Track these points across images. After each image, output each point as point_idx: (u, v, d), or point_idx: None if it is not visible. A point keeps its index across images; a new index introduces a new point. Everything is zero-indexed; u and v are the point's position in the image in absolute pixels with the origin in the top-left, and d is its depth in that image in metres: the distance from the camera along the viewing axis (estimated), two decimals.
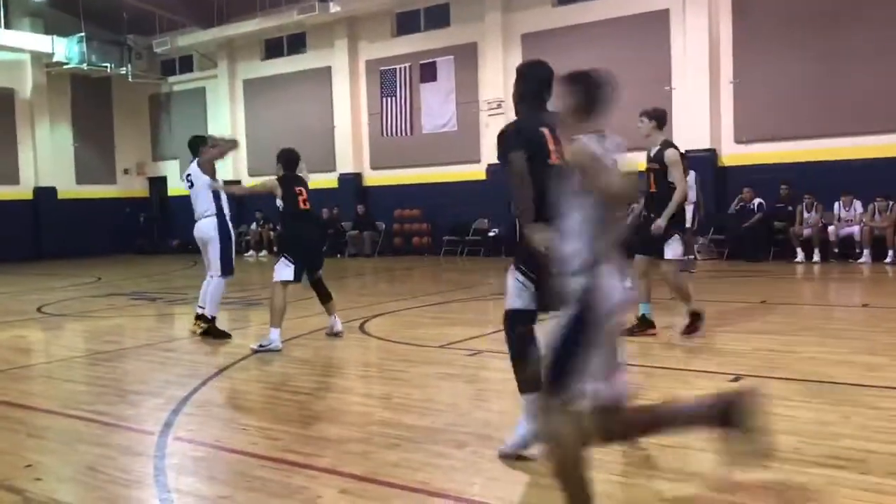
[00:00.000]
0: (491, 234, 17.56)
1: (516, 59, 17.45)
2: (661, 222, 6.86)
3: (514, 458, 3.92)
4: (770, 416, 4.46)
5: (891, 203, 13.24)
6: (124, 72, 22.72)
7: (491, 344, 7.01)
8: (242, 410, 5.22)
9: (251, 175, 20.76)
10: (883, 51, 13.54)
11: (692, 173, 12.97)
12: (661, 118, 7.11)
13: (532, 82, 4.37)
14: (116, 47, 22.48)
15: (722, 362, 6.09)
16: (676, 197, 6.90)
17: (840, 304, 9.89)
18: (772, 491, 3.39)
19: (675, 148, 7.05)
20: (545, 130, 4.15)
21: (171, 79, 24.35)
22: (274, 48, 22.10)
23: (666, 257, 7.02)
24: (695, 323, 6.98)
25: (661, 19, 15.79)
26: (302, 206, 7.39)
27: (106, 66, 22.25)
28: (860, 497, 3.30)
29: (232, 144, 8.90)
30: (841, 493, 3.35)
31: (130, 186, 25.00)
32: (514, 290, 4.12)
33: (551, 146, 4.10)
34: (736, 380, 5.40)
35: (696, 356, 6.32)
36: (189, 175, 8.13)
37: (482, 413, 4.43)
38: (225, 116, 22.61)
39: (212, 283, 7.91)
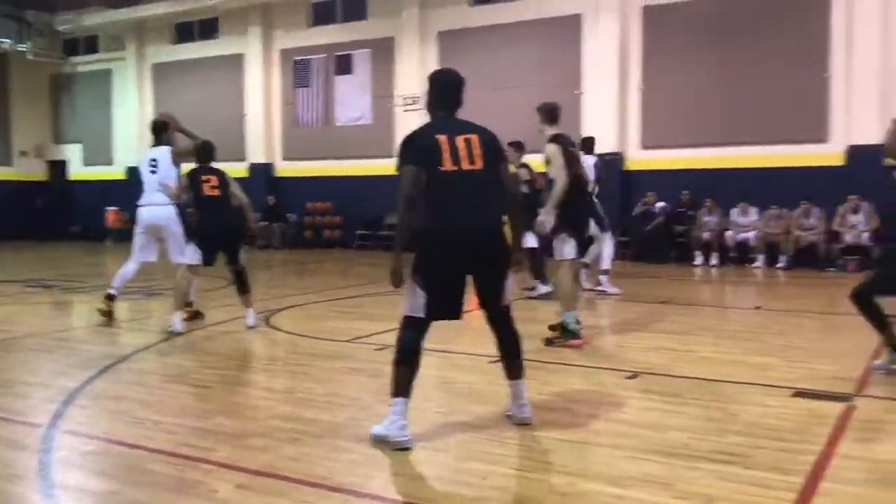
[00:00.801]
0: None
1: (433, 56, 17.53)
2: (542, 217, 6.65)
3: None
4: (665, 412, 4.65)
5: (784, 210, 13.89)
6: (23, 49, 21.68)
7: None
8: (138, 403, 5.05)
9: None
10: (782, 65, 14.19)
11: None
12: (548, 112, 6.81)
13: (437, 89, 4.40)
14: (14, 22, 21.44)
15: (623, 360, 6.25)
16: (555, 192, 6.57)
17: (735, 306, 10.28)
18: (662, 485, 3.50)
19: (559, 143, 6.69)
20: (442, 137, 4.15)
21: (75, 59, 23.40)
22: (185, 32, 21.49)
23: (556, 257, 6.86)
24: (565, 336, 6.66)
25: (573, 24, 16.11)
26: (207, 192, 7.60)
27: (3, 43, 21.18)
28: (745, 490, 3.44)
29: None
30: (727, 486, 3.48)
31: (28, 169, 23.88)
32: (407, 296, 4.21)
33: (446, 152, 4.11)
34: (633, 377, 5.56)
35: (598, 353, 6.47)
36: (155, 160, 8.11)
37: (385, 408, 4.39)
38: (132, 101, 21.88)
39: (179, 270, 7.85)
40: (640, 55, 15.63)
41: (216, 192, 7.59)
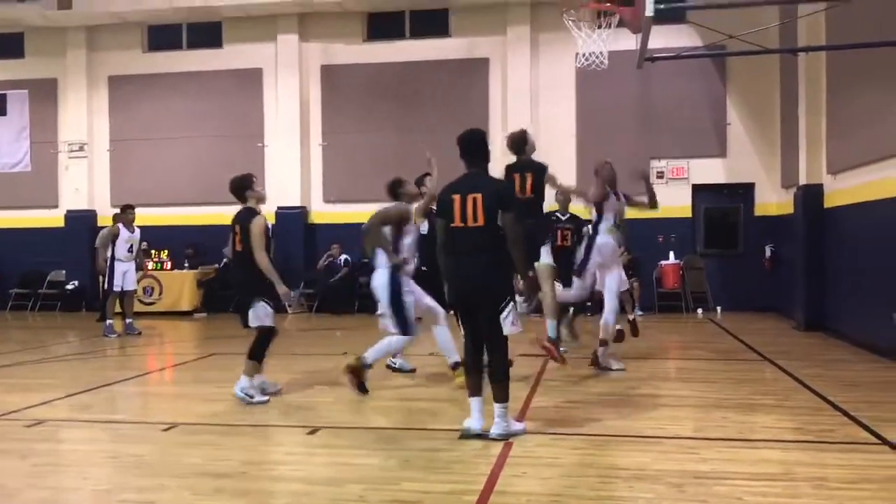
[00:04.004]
0: (69, 286, 16.03)
1: (102, 101, 16.46)
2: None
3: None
4: (343, 466, 4.70)
5: None
6: None
7: (57, 412, 6.35)
8: None
9: None
10: (448, 127, 15.29)
11: None
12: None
13: (460, 147, 5.37)
14: None
15: (306, 416, 6.23)
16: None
17: (414, 353, 10.72)
18: None
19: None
20: (456, 196, 5.14)
21: None
22: None
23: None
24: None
25: (254, 77, 16.11)
26: None
27: None
28: None
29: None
30: None
31: None
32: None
33: (457, 211, 5.14)
34: (313, 432, 5.56)
35: (278, 411, 6.40)
36: None
37: (35, 492, 3.92)
38: None
39: None
40: (319, 111, 16.04)
41: None
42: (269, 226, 6.88)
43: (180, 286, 14.99)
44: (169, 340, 11.91)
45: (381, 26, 15.94)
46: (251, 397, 6.57)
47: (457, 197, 5.14)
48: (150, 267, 14.74)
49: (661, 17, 6.67)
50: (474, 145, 5.37)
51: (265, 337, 6.74)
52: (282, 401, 6.76)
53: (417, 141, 15.39)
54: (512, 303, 5.18)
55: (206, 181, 15.88)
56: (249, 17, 15.94)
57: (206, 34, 16.34)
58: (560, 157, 15.06)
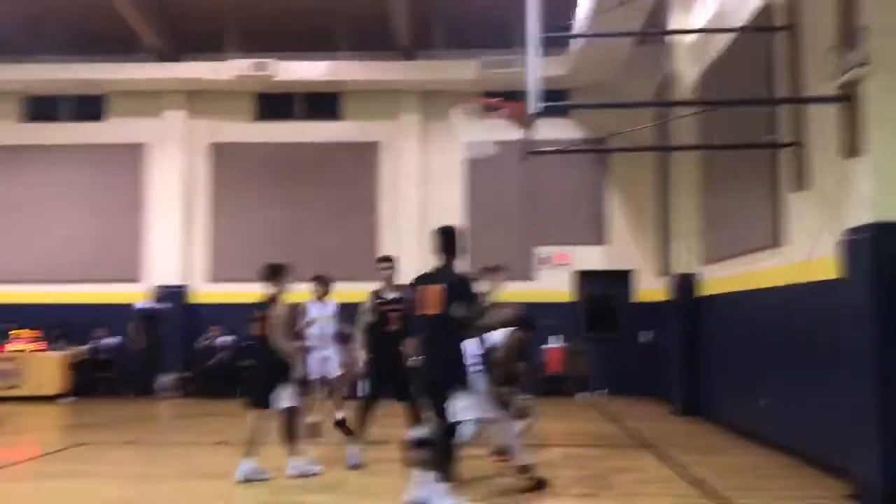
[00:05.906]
0: None
1: None
2: None
3: None
4: None
5: None
6: None
7: None
8: None
9: None
10: (338, 209, 15.40)
11: None
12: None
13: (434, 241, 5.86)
14: None
15: None
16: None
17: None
18: None
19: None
20: (422, 287, 5.74)
21: None
22: None
23: None
24: None
25: (138, 152, 15.70)
26: None
27: None
28: None
29: None
30: None
31: None
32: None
33: (421, 300, 5.73)
34: None
35: None
36: None
37: None
38: None
39: None
40: (208, 189, 15.68)
41: None
42: (300, 310, 7.36)
43: (46, 369, 14.04)
44: (28, 429, 11.09)
45: (272, 107, 15.91)
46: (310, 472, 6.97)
47: (423, 287, 5.70)
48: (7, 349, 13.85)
49: (546, 114, 6.93)
50: (445, 239, 5.82)
51: (293, 416, 6.99)
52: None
53: (308, 219, 15.36)
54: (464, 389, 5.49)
55: (82, 258, 15.25)
56: (134, 92, 15.62)
57: (88, 107, 15.86)
58: None
